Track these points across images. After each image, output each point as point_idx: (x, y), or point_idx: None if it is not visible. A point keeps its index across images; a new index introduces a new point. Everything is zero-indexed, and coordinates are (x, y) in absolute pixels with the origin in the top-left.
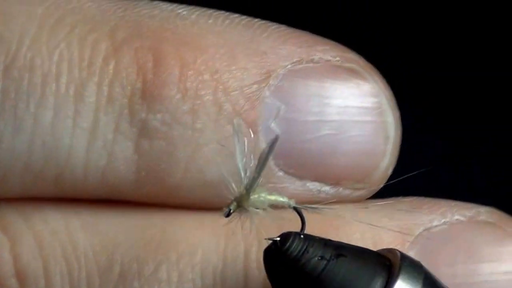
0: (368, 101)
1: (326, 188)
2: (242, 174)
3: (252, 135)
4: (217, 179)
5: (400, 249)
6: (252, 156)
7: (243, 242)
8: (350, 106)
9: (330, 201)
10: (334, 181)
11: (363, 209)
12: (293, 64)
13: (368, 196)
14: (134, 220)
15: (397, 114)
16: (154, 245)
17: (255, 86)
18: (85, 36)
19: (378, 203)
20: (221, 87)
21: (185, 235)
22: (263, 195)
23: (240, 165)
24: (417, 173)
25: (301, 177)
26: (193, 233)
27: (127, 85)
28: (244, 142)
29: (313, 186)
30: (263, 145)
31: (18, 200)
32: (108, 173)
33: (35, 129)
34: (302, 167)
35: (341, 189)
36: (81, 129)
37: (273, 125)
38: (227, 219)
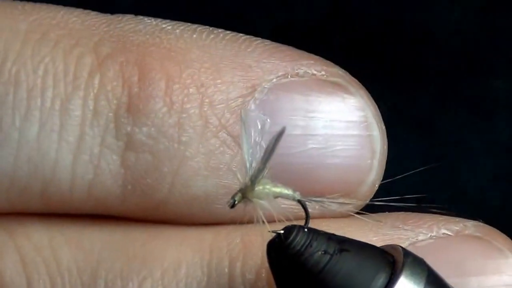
0: (354, 115)
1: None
2: (248, 165)
3: (238, 148)
4: (203, 193)
5: None
6: (258, 147)
7: (228, 257)
8: (336, 120)
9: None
10: (321, 196)
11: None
12: (278, 78)
13: (356, 211)
14: (118, 235)
15: (383, 128)
16: (138, 260)
17: (240, 99)
18: (70, 51)
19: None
20: (206, 100)
21: (170, 250)
22: (268, 186)
23: (246, 156)
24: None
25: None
26: (178, 248)
27: (113, 99)
28: (251, 133)
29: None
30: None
31: (2, 215)
32: (94, 187)
33: (20, 144)
34: (288, 181)
35: (327, 203)
36: (67, 143)
37: (258, 138)
38: (232, 209)
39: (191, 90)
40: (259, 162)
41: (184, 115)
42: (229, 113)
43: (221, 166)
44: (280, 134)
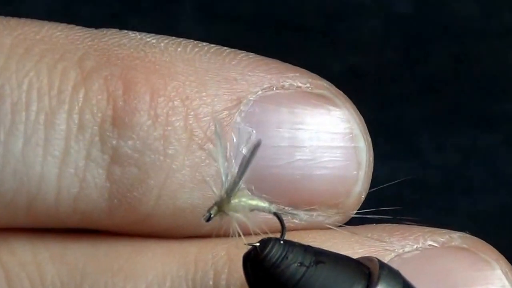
0: (340, 127)
1: (300, 214)
2: (223, 178)
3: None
4: (189, 206)
5: None
6: (233, 161)
7: (213, 270)
8: (322, 131)
9: (305, 226)
10: (307, 207)
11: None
12: (263, 91)
13: (343, 222)
14: (102, 249)
15: (369, 139)
16: (123, 275)
17: (226, 112)
18: (54, 65)
19: (350, 229)
20: (192, 113)
21: (154, 263)
22: (244, 199)
23: (222, 169)
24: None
25: (272, 202)
26: (162, 261)
27: (98, 113)
28: (226, 145)
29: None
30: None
31: None
32: (80, 201)
33: (5, 158)
34: (274, 193)
35: (314, 215)
36: (52, 157)
37: (244, 150)
38: (208, 223)
39: (176, 103)
40: (235, 175)
41: (169, 128)
42: (214, 126)
43: (207, 178)
44: (256, 146)
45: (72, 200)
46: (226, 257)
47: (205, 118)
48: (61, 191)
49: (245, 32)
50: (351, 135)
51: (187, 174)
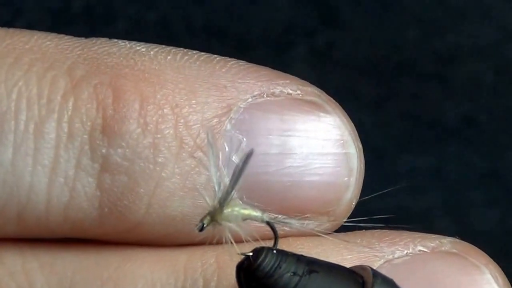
0: (330, 134)
1: (292, 222)
2: (216, 188)
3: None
4: (179, 214)
5: None
6: (225, 170)
7: (202, 277)
8: (312, 138)
9: (294, 234)
10: (298, 215)
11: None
12: (253, 98)
13: (334, 230)
14: (92, 258)
15: (360, 146)
16: (112, 283)
17: (216, 119)
18: (44, 74)
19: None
20: (182, 121)
21: (144, 272)
22: (236, 209)
23: (214, 178)
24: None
25: (264, 211)
26: (152, 269)
27: (87, 121)
28: (218, 154)
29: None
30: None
31: None
32: (70, 209)
33: None
34: (264, 200)
35: (306, 222)
36: (41, 166)
37: (234, 158)
38: (201, 233)
39: (165, 110)
40: (228, 184)
41: (158, 136)
42: (204, 134)
43: (198, 186)
44: (249, 156)
45: (62, 209)
46: (216, 265)
47: (195, 126)
48: (51, 200)
49: (359, 77)
50: (342, 142)
51: (177, 182)
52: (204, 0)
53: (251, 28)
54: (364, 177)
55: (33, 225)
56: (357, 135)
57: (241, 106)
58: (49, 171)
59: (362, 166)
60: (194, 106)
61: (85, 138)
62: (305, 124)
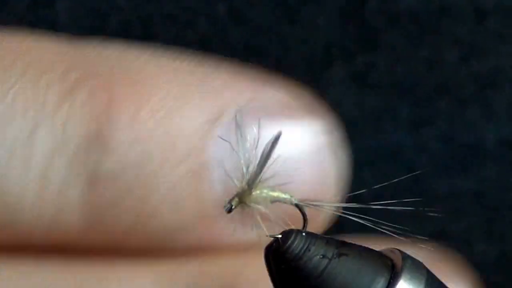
0: (319, 138)
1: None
2: (244, 170)
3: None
4: (169, 223)
5: None
6: (254, 151)
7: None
8: (302, 142)
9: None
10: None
11: None
12: (245, 102)
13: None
14: (73, 270)
15: (348, 151)
16: None
17: (208, 124)
18: (38, 79)
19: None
20: (174, 126)
21: (127, 283)
22: (265, 191)
23: (242, 160)
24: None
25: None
26: (136, 280)
27: (80, 128)
28: (247, 137)
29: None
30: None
31: None
32: (59, 217)
33: None
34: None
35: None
36: (33, 172)
37: (226, 162)
38: (229, 214)
39: (158, 116)
40: (256, 166)
41: (151, 142)
42: (196, 139)
43: (189, 194)
44: (277, 138)
45: (51, 216)
46: (199, 276)
47: (187, 132)
48: (41, 207)
49: (398, 99)
50: (330, 146)
51: (167, 191)
52: (243, 20)
53: (290, 48)
54: (403, 200)
55: (20, 233)
56: (345, 139)
57: (233, 110)
58: (40, 178)
59: (348, 170)
60: (187, 110)
61: (78, 144)
62: (296, 129)
